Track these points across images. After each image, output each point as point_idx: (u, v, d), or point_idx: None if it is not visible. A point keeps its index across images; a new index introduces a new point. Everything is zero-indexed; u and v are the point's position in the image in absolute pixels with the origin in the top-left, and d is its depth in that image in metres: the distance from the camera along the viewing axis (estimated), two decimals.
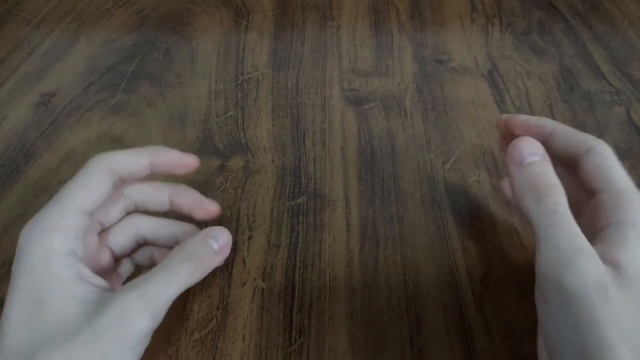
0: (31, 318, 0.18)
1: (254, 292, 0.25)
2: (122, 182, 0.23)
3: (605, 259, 0.18)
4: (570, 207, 0.20)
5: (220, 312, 0.24)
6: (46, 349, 0.17)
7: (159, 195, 0.24)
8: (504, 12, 0.44)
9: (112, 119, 0.35)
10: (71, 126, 0.34)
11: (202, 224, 0.26)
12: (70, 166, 0.32)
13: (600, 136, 0.32)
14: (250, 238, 0.27)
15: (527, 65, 0.38)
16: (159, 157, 0.23)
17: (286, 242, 0.27)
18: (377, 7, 0.45)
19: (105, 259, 0.23)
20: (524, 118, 0.24)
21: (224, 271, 0.26)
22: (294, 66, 0.39)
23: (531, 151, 0.20)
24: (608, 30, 0.41)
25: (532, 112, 0.34)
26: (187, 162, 0.24)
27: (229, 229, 0.27)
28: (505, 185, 0.27)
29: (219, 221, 0.28)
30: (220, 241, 0.23)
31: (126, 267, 0.25)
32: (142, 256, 0.26)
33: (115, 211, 0.24)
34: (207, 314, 0.24)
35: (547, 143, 0.22)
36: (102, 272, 0.23)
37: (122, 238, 0.24)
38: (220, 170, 0.31)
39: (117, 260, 0.25)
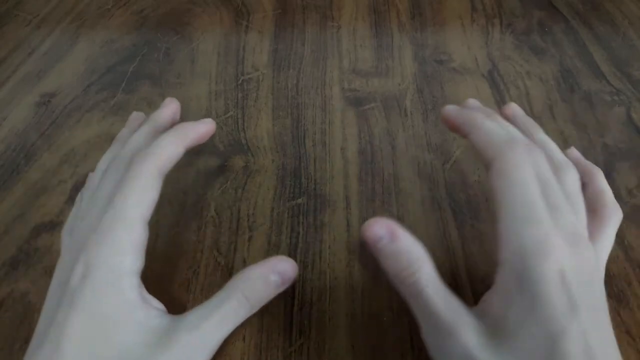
0: (95, 342, 0.18)
1: None
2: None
3: (485, 311, 0.18)
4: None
5: None
6: None
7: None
8: (504, 12, 0.44)
9: (112, 119, 0.35)
10: (71, 126, 0.34)
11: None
12: (70, 166, 0.32)
13: (601, 136, 0.32)
14: (250, 238, 0.27)
15: (527, 65, 0.38)
16: (191, 139, 0.23)
17: (286, 242, 0.27)
18: (377, 7, 0.45)
19: None
20: (448, 113, 0.23)
21: (224, 271, 0.26)
22: (294, 66, 0.39)
23: (377, 235, 0.19)
24: (608, 30, 0.41)
25: (532, 112, 0.34)
26: (209, 128, 0.24)
27: (229, 229, 0.27)
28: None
29: (219, 221, 0.28)
30: (285, 276, 0.21)
31: None
32: None
33: None
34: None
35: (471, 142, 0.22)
36: None
37: None
38: (220, 170, 0.31)
39: None
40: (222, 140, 0.33)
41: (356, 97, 0.36)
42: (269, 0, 0.46)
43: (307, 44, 0.41)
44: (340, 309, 0.24)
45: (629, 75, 0.37)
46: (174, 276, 0.26)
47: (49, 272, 0.26)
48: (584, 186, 0.22)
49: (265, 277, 0.21)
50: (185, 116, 0.35)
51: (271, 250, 0.27)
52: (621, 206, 0.28)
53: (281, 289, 0.22)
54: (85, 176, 0.31)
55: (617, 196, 0.29)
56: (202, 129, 0.24)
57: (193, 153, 0.32)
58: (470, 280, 0.25)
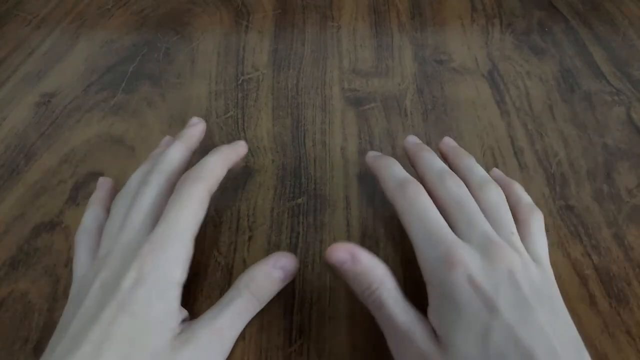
0: (133, 345, 0.18)
1: None
2: None
3: (430, 326, 0.20)
4: None
5: None
6: None
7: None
8: (504, 12, 0.44)
9: (112, 119, 0.35)
10: (71, 126, 0.34)
11: None
12: (70, 166, 0.32)
13: (601, 136, 0.32)
14: (250, 238, 0.27)
15: (527, 65, 0.38)
16: (233, 160, 0.26)
17: (286, 242, 0.27)
18: (377, 7, 0.45)
19: None
20: (370, 157, 0.27)
21: (224, 271, 0.26)
22: (294, 66, 0.39)
23: (339, 260, 0.21)
24: (608, 30, 0.41)
25: (532, 112, 0.34)
26: (246, 150, 0.27)
27: (229, 229, 0.27)
28: None
29: (219, 221, 0.28)
30: (287, 271, 0.23)
31: None
32: None
33: None
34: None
35: None
36: None
37: None
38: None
39: None
40: (222, 140, 0.33)
41: (356, 97, 0.36)
42: (269, 0, 0.46)
43: (307, 44, 0.41)
44: (340, 309, 0.24)
45: (629, 75, 0.37)
46: None
47: (49, 272, 0.26)
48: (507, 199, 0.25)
49: (269, 274, 0.22)
50: (185, 116, 0.35)
51: (271, 250, 0.27)
52: (621, 206, 0.28)
53: (285, 283, 0.23)
54: (85, 176, 0.31)
55: (617, 196, 0.29)
56: (241, 151, 0.27)
57: (193, 153, 0.32)
58: None
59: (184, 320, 0.21)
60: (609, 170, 0.30)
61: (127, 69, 0.39)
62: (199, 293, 0.25)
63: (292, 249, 0.27)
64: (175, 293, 0.20)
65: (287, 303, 0.25)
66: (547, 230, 0.27)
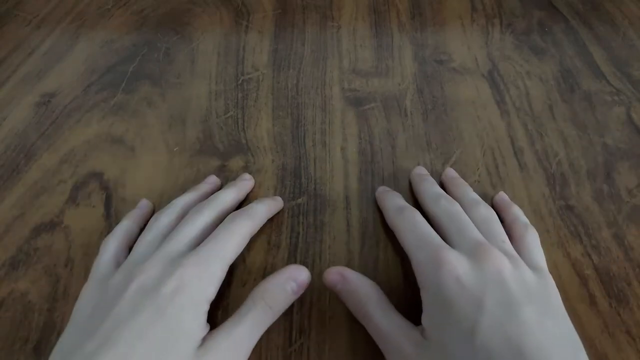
0: (164, 351, 0.19)
1: None
2: None
3: (423, 326, 0.21)
4: None
5: (220, 312, 0.24)
6: None
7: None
8: (504, 12, 0.44)
9: (112, 119, 0.35)
10: (71, 126, 0.34)
11: None
12: (70, 166, 0.32)
13: (601, 136, 0.32)
14: (250, 238, 0.27)
15: (527, 65, 0.38)
16: (273, 213, 0.28)
17: (286, 242, 0.27)
18: (377, 7, 0.45)
19: None
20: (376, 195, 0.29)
21: None
22: (294, 66, 0.39)
23: (332, 282, 0.23)
24: (608, 30, 0.41)
25: (532, 112, 0.34)
26: (281, 206, 0.29)
27: None
28: None
29: None
30: (300, 284, 0.23)
31: None
32: None
33: None
34: (207, 314, 0.24)
35: None
36: None
37: None
38: (220, 170, 0.31)
39: None
40: (222, 140, 0.33)
41: (356, 97, 0.36)
42: (269, 0, 0.46)
43: (307, 44, 0.41)
44: (340, 309, 0.24)
45: (629, 75, 0.37)
46: None
47: (48, 272, 0.26)
48: (503, 220, 0.26)
49: (283, 286, 0.23)
50: (184, 116, 0.35)
51: (271, 250, 0.27)
52: (621, 206, 0.28)
53: (298, 295, 0.23)
54: (85, 176, 0.31)
55: (617, 196, 0.29)
56: (280, 205, 0.29)
57: (193, 153, 0.32)
58: None
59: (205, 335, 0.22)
60: (609, 170, 0.30)
61: (127, 69, 0.39)
62: None
63: (292, 249, 0.27)
64: (206, 308, 0.21)
65: None
66: (547, 230, 0.27)
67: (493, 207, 0.27)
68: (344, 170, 0.31)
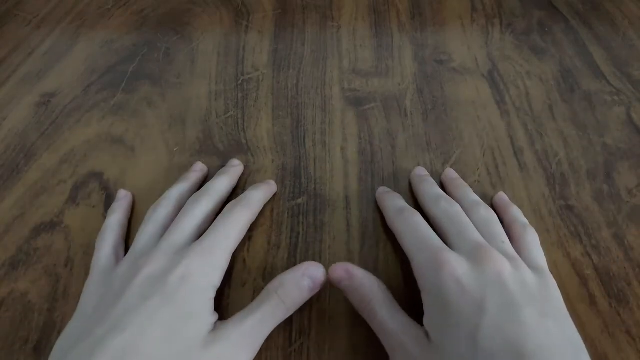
0: (173, 335, 0.20)
1: (254, 292, 0.25)
2: None
3: (424, 329, 0.21)
4: None
5: (220, 312, 0.24)
6: None
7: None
8: (504, 12, 0.44)
9: (112, 119, 0.35)
10: (71, 126, 0.34)
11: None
12: (70, 166, 0.32)
13: (601, 136, 0.32)
14: (250, 238, 0.27)
15: (527, 65, 0.38)
16: (268, 197, 0.29)
17: (286, 242, 0.27)
18: (377, 7, 0.45)
19: None
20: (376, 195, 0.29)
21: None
22: (294, 66, 0.39)
23: (337, 278, 0.23)
24: (608, 30, 0.41)
25: (532, 112, 0.34)
26: (275, 190, 0.30)
27: None
28: None
29: None
30: (316, 280, 0.23)
31: None
32: None
33: None
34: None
35: None
36: None
37: None
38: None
39: None
40: (222, 140, 0.33)
41: (356, 97, 0.36)
42: (269, 0, 0.46)
43: (307, 44, 0.41)
44: (340, 309, 0.24)
45: (629, 75, 0.37)
46: None
47: (48, 272, 0.26)
48: (502, 221, 0.26)
49: (298, 281, 0.23)
50: (184, 116, 0.35)
51: (271, 250, 0.27)
52: (621, 206, 0.28)
53: (313, 292, 0.23)
54: (85, 176, 0.31)
55: (617, 196, 0.29)
56: (274, 188, 0.29)
57: (193, 153, 0.32)
58: None
59: (215, 322, 0.22)
60: (609, 170, 0.30)
61: (127, 69, 0.39)
62: None
63: (292, 249, 0.27)
64: (212, 294, 0.22)
65: None
66: (547, 230, 0.27)
67: (492, 207, 0.27)
68: (344, 170, 0.31)
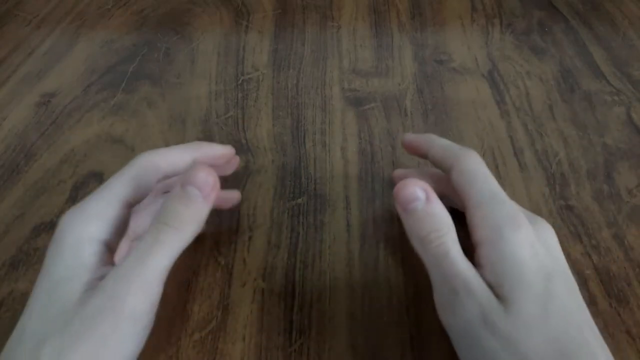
0: (46, 302, 0.18)
1: (254, 292, 0.25)
2: (165, 178, 0.23)
3: (486, 283, 0.19)
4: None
5: (220, 312, 0.24)
6: (53, 334, 0.17)
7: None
8: (504, 12, 0.44)
9: (112, 119, 0.35)
10: (71, 126, 0.34)
11: None
12: (70, 166, 0.32)
13: (601, 136, 0.32)
14: (250, 238, 0.27)
15: (527, 65, 0.38)
16: (202, 153, 0.24)
17: (286, 242, 0.27)
18: (377, 7, 0.45)
19: (124, 244, 0.24)
20: (407, 138, 0.26)
21: (224, 271, 0.26)
22: (294, 66, 0.39)
23: (412, 195, 0.20)
24: (608, 30, 0.41)
25: (532, 112, 0.34)
26: (227, 153, 0.25)
27: (229, 229, 0.27)
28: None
29: (219, 217, 0.28)
30: (199, 182, 0.20)
31: None
32: None
33: (150, 197, 0.25)
34: (207, 314, 0.24)
35: (429, 159, 0.25)
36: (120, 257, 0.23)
37: (144, 218, 0.25)
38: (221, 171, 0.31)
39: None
40: (222, 140, 0.33)
41: (356, 97, 0.36)
42: (269, 0, 0.46)
43: (307, 44, 0.41)
44: (340, 309, 0.24)
45: (629, 75, 0.37)
46: (174, 276, 0.26)
47: None
48: None
49: (179, 196, 0.20)
50: (184, 116, 0.35)
51: (271, 250, 0.27)
52: (621, 206, 0.28)
53: (209, 200, 0.20)
54: (85, 176, 0.31)
55: (617, 196, 0.29)
56: (217, 149, 0.25)
57: None
58: None
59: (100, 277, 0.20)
60: (609, 170, 0.30)
61: (127, 69, 0.39)
62: (198, 293, 0.25)
63: (292, 249, 0.27)
64: (91, 249, 0.19)
65: (287, 303, 0.25)
66: None
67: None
68: (344, 170, 0.31)
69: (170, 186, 0.26)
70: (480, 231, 0.20)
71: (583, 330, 0.18)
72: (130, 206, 0.21)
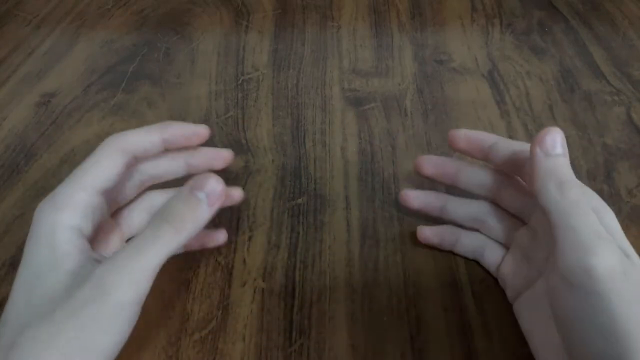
0: (29, 291, 0.19)
1: (254, 292, 0.25)
2: (135, 161, 0.23)
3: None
4: (518, 214, 0.23)
5: (220, 312, 0.24)
6: (34, 323, 0.17)
7: (173, 162, 0.24)
8: (504, 12, 0.44)
9: (112, 119, 0.35)
10: (71, 126, 0.34)
11: None
12: (70, 166, 0.31)
13: (601, 136, 0.32)
14: (250, 238, 0.27)
15: (527, 65, 0.38)
16: (170, 131, 0.23)
17: (286, 242, 0.27)
18: (377, 7, 0.45)
19: (115, 239, 0.24)
20: (463, 133, 0.25)
21: (224, 271, 0.26)
22: (294, 66, 0.39)
23: (559, 144, 0.21)
24: (608, 30, 0.41)
25: (532, 112, 0.34)
26: (199, 132, 0.24)
27: (229, 229, 0.27)
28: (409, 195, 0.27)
29: (219, 217, 0.28)
30: (207, 189, 0.20)
31: None
32: None
33: (131, 188, 0.24)
34: (207, 314, 0.24)
35: (488, 155, 0.24)
36: (110, 252, 0.23)
37: (136, 215, 0.25)
38: (220, 170, 0.31)
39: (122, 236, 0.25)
40: (222, 140, 0.33)
41: (356, 97, 0.36)
42: (269, 0, 0.46)
43: (307, 44, 0.41)
44: (340, 309, 0.24)
45: (629, 75, 0.37)
46: (174, 276, 0.26)
47: None
48: None
49: (186, 198, 0.20)
50: (185, 116, 0.35)
51: (271, 250, 0.27)
52: (621, 206, 0.28)
53: (214, 207, 0.20)
54: None
55: (617, 196, 0.29)
56: (188, 128, 0.24)
57: None
58: (470, 280, 0.25)
59: (84, 265, 0.19)
60: (609, 170, 0.30)
61: (127, 69, 0.39)
62: (198, 293, 0.25)
63: (292, 248, 0.27)
64: (63, 236, 0.19)
65: (287, 303, 0.25)
66: None
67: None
68: (344, 170, 0.31)
69: (154, 179, 0.25)
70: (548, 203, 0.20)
71: None
72: (103, 192, 0.21)
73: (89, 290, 0.18)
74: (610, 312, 0.17)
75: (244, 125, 0.34)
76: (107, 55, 0.40)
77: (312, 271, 0.26)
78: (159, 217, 0.20)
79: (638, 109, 0.34)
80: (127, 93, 0.37)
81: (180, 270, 0.26)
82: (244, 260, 0.26)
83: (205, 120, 0.34)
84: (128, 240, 0.25)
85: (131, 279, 0.18)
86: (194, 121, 0.34)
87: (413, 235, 0.27)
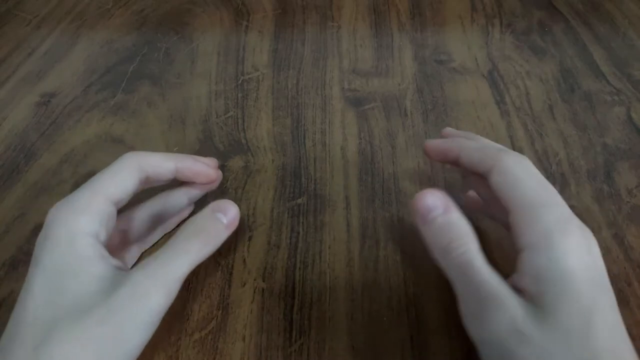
0: (52, 293, 0.19)
1: (254, 292, 0.25)
2: (147, 181, 0.24)
3: (521, 291, 0.18)
4: (502, 222, 0.22)
5: (220, 312, 0.24)
6: (63, 323, 0.18)
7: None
8: (504, 12, 0.44)
9: (112, 119, 0.35)
10: (71, 126, 0.34)
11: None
12: (70, 166, 0.32)
13: (601, 136, 0.32)
14: (250, 238, 0.27)
15: (527, 65, 0.38)
16: (185, 164, 0.25)
17: (286, 242, 0.27)
18: (377, 7, 0.45)
19: (115, 241, 0.25)
20: (431, 144, 0.25)
21: (224, 271, 0.26)
22: (294, 66, 0.39)
23: (431, 206, 0.20)
24: (608, 30, 0.41)
25: (532, 112, 0.34)
26: (208, 174, 0.26)
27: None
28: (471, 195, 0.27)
29: None
30: (229, 215, 0.23)
31: (133, 253, 0.26)
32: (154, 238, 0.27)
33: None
34: (207, 314, 0.24)
35: (459, 163, 0.23)
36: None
37: (136, 225, 0.26)
38: (220, 170, 0.31)
39: (125, 243, 0.25)
40: (222, 140, 0.33)
41: (356, 97, 0.36)
42: (269, 0, 0.46)
43: (307, 44, 0.41)
44: (340, 309, 0.24)
45: (629, 75, 0.37)
46: None
47: None
48: None
49: (210, 216, 0.22)
50: (185, 116, 0.35)
51: (271, 250, 0.27)
52: (621, 206, 0.28)
53: (230, 229, 0.23)
54: (85, 176, 0.31)
55: (617, 196, 0.29)
56: (200, 166, 0.26)
57: (193, 153, 0.32)
58: None
59: (121, 268, 0.21)
60: (609, 170, 0.30)
61: (127, 69, 0.39)
62: (199, 293, 0.25)
63: (292, 249, 0.27)
64: (83, 241, 0.20)
65: (287, 303, 0.25)
66: None
67: None
68: (344, 170, 0.31)
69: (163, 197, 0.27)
70: (526, 236, 0.19)
71: (623, 348, 0.17)
72: (115, 204, 0.22)
73: (126, 296, 0.19)
74: None
75: (244, 125, 0.34)
76: (107, 55, 0.40)
77: (312, 271, 0.26)
78: (187, 232, 0.21)
79: (638, 109, 0.34)
80: (127, 93, 0.37)
81: None
82: (244, 260, 0.26)
83: (205, 120, 0.34)
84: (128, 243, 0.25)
85: (165, 286, 0.20)
86: (194, 121, 0.34)
87: (413, 235, 0.27)
